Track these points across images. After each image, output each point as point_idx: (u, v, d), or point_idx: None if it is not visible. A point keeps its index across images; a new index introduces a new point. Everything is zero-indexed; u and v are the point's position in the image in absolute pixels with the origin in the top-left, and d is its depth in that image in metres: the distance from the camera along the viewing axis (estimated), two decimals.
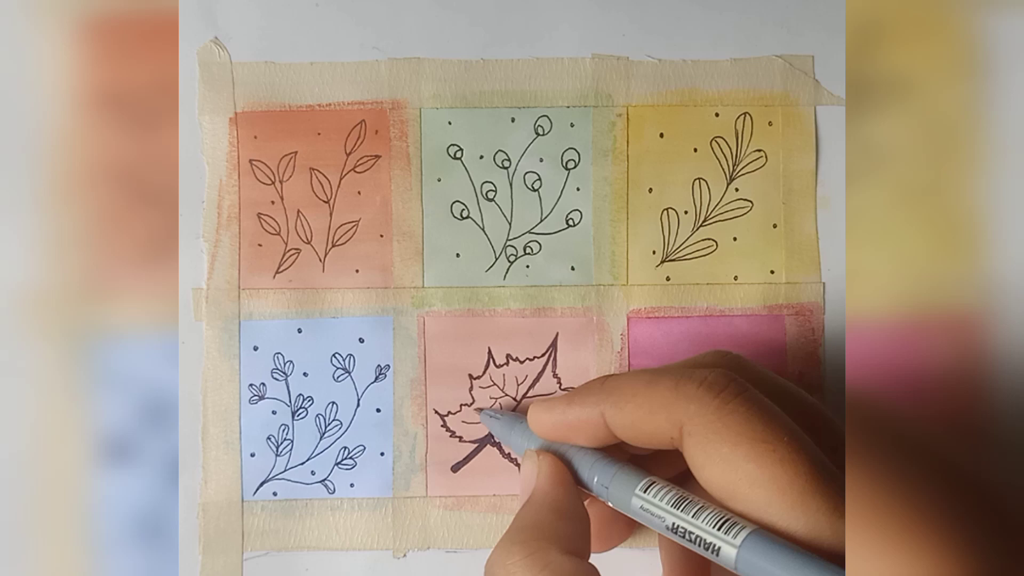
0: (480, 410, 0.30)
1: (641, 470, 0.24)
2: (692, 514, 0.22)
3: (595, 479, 0.25)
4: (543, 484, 0.25)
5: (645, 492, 0.23)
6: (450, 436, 0.30)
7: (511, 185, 0.31)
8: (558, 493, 0.24)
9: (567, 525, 0.24)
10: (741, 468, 0.21)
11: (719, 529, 0.21)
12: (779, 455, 0.21)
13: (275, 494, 0.30)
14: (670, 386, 0.23)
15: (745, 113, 0.31)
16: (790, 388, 0.25)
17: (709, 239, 0.31)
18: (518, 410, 0.30)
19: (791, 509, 0.21)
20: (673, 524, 0.22)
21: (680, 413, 0.22)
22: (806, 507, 0.20)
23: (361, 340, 0.31)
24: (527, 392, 0.31)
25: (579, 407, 0.24)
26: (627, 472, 0.24)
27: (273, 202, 0.31)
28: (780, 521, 0.21)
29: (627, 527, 0.28)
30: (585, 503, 0.25)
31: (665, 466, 0.26)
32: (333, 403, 0.31)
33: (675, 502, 0.23)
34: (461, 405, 0.31)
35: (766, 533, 0.21)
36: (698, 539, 0.22)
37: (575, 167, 0.31)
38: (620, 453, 0.25)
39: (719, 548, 0.21)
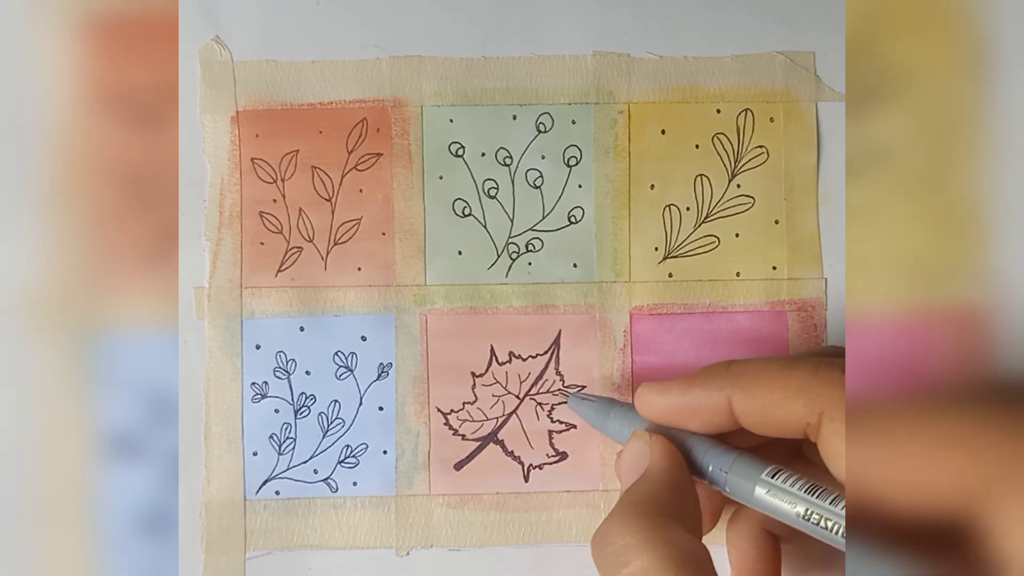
0: (570, 395, 0.29)
1: (760, 458, 0.24)
2: (829, 501, 0.22)
3: (710, 466, 0.24)
4: (658, 462, 0.24)
5: (773, 478, 0.23)
6: (453, 434, 0.30)
7: (513, 182, 0.31)
8: (675, 472, 0.24)
9: (686, 504, 0.23)
10: None
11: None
12: None
13: (278, 493, 0.30)
14: (810, 370, 0.22)
15: (746, 109, 0.31)
16: None
17: (711, 235, 0.31)
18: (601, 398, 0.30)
19: None
20: (806, 511, 0.22)
21: (823, 399, 0.21)
22: None
23: (363, 338, 0.31)
24: (530, 389, 0.31)
25: (701, 390, 0.24)
26: (748, 459, 0.24)
27: (275, 200, 0.31)
28: None
29: (711, 520, 0.28)
30: None
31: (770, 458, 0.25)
32: (335, 401, 0.30)
33: (808, 489, 0.22)
34: (463, 403, 0.30)
35: None
36: (836, 526, 0.21)
37: (577, 164, 0.31)
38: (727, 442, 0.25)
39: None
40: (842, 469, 0.21)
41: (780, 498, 0.23)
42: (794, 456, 0.26)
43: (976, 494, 0.17)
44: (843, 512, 0.21)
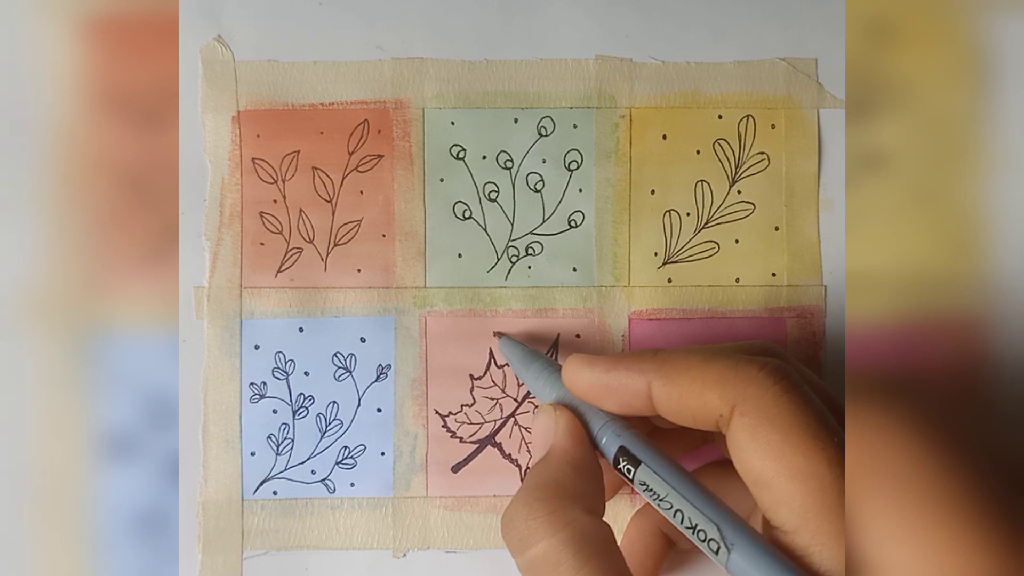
0: (501, 335, 0.30)
1: (648, 441, 0.24)
2: (696, 502, 0.22)
3: (603, 440, 0.25)
4: (561, 440, 0.24)
5: (649, 468, 0.23)
6: (451, 436, 0.30)
7: (513, 186, 0.31)
8: (577, 450, 0.24)
9: (586, 483, 0.24)
10: (787, 459, 0.21)
11: (718, 528, 0.21)
12: (828, 454, 0.20)
13: (275, 493, 0.30)
14: (730, 365, 0.22)
15: (748, 115, 0.31)
16: (831, 393, 0.25)
17: (711, 241, 0.31)
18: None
19: (825, 512, 0.20)
20: (672, 507, 0.23)
21: (737, 393, 0.22)
22: (839, 513, 0.20)
23: (362, 340, 0.31)
24: (528, 393, 0.31)
25: (624, 371, 0.24)
26: (634, 438, 0.24)
27: (275, 201, 0.31)
28: (811, 521, 0.20)
29: (614, 486, 0.29)
30: None
31: (676, 445, 0.26)
32: (334, 402, 0.30)
33: (679, 483, 0.23)
34: (461, 405, 0.31)
35: (761, 542, 0.21)
36: (697, 529, 0.22)
37: (578, 168, 0.31)
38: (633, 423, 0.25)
39: (718, 549, 0.21)
40: (744, 463, 0.22)
41: (654, 487, 0.23)
42: (703, 441, 0.28)
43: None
44: (704, 512, 0.22)
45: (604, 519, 0.24)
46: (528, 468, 0.24)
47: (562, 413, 0.25)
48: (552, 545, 0.22)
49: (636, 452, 0.24)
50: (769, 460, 0.21)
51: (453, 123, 0.31)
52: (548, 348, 0.31)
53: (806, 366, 0.30)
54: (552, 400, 0.26)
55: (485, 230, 0.31)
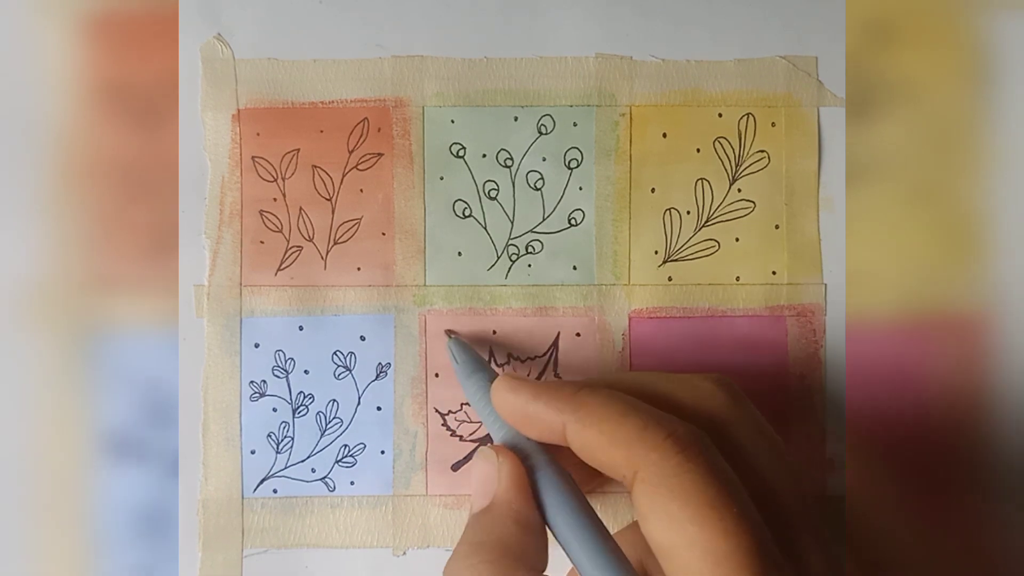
0: (450, 336, 0.30)
1: (568, 490, 0.24)
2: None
3: (538, 486, 0.24)
4: (505, 492, 0.24)
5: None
6: (450, 435, 0.31)
7: (513, 184, 0.31)
8: (521, 503, 0.24)
9: (530, 539, 0.23)
10: (684, 529, 0.21)
11: None
12: (725, 525, 0.20)
13: (275, 491, 0.30)
14: (638, 426, 0.22)
15: (748, 114, 0.31)
16: (775, 441, 0.24)
17: (711, 239, 0.31)
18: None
19: None
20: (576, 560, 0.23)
21: (639, 458, 0.22)
22: None
23: (362, 338, 0.31)
24: None
25: (544, 405, 0.24)
26: (555, 486, 0.24)
27: (275, 199, 0.31)
28: None
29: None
30: None
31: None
32: (334, 401, 0.31)
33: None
34: (462, 404, 0.31)
35: None
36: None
37: (578, 166, 0.31)
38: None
39: None
40: (646, 530, 0.21)
41: (568, 544, 0.23)
42: None
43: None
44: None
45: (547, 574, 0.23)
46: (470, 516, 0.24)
47: (505, 460, 0.24)
48: None
49: (546, 503, 0.24)
50: (668, 530, 0.21)
51: (453, 121, 0.31)
52: (548, 347, 0.31)
53: (806, 365, 0.30)
54: (499, 438, 0.26)
55: (485, 228, 0.31)
